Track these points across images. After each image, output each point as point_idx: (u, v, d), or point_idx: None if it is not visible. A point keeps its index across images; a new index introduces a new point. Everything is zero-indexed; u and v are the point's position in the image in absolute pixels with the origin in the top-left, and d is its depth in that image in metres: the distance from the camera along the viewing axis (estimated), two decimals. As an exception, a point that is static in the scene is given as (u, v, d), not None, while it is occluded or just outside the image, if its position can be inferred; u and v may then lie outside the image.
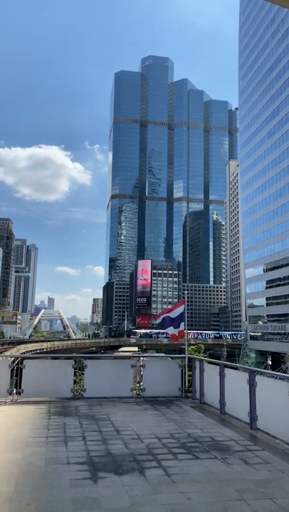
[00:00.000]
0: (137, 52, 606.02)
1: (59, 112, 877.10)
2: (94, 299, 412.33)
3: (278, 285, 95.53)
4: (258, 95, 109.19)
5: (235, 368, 10.44)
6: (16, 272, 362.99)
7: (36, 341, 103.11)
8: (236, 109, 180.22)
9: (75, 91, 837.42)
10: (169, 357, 15.94)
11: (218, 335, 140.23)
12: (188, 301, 17.74)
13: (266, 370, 12.82)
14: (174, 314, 13.09)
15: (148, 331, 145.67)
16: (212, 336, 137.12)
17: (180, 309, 13.09)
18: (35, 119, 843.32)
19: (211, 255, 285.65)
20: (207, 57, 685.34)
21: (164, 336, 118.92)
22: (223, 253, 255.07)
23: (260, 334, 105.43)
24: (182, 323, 12.93)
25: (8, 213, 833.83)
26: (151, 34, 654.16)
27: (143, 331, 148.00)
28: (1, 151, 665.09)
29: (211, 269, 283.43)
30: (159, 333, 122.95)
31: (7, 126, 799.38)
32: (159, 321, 13.41)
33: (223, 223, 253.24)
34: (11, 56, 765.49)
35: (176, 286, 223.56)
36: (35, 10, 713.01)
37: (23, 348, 71.52)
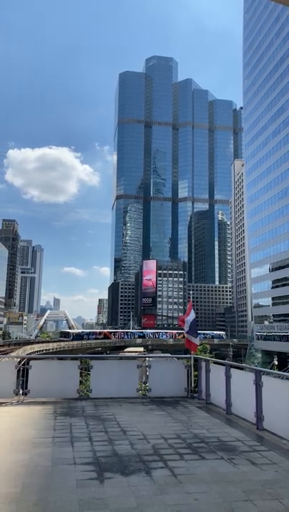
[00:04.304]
0: (141, 53, 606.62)
1: (69, 113, 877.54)
2: (99, 300, 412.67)
3: (284, 285, 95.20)
4: (262, 94, 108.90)
5: (241, 368, 10.42)
6: (21, 272, 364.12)
7: (42, 342, 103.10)
8: (241, 108, 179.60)
9: (83, 92, 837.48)
10: (175, 357, 15.94)
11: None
12: (193, 302, 17.69)
13: (272, 370, 12.78)
14: (188, 322, 12.80)
15: (87, 330, 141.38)
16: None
17: (192, 316, 12.86)
18: (45, 121, 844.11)
19: (217, 255, 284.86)
20: (211, 57, 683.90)
21: (94, 337, 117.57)
22: (229, 253, 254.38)
23: (266, 334, 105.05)
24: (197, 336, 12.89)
25: (16, 215, 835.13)
26: (155, 34, 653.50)
27: (77, 331, 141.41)
28: (11, 153, 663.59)
29: (217, 269, 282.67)
30: (89, 333, 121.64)
31: (17, 128, 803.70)
32: (187, 329, 12.79)
33: (229, 223, 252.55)
34: (20, 58, 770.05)
35: (181, 286, 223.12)
36: (40, 13, 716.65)
37: (29, 349, 71.66)
